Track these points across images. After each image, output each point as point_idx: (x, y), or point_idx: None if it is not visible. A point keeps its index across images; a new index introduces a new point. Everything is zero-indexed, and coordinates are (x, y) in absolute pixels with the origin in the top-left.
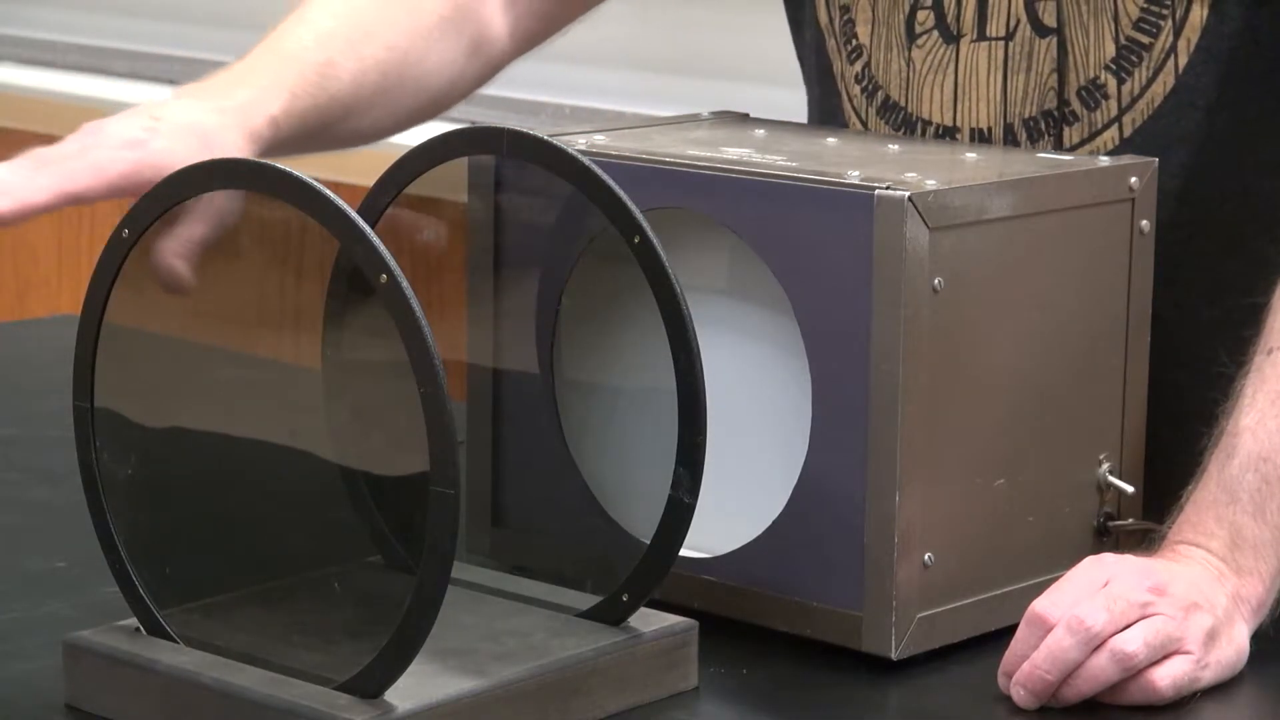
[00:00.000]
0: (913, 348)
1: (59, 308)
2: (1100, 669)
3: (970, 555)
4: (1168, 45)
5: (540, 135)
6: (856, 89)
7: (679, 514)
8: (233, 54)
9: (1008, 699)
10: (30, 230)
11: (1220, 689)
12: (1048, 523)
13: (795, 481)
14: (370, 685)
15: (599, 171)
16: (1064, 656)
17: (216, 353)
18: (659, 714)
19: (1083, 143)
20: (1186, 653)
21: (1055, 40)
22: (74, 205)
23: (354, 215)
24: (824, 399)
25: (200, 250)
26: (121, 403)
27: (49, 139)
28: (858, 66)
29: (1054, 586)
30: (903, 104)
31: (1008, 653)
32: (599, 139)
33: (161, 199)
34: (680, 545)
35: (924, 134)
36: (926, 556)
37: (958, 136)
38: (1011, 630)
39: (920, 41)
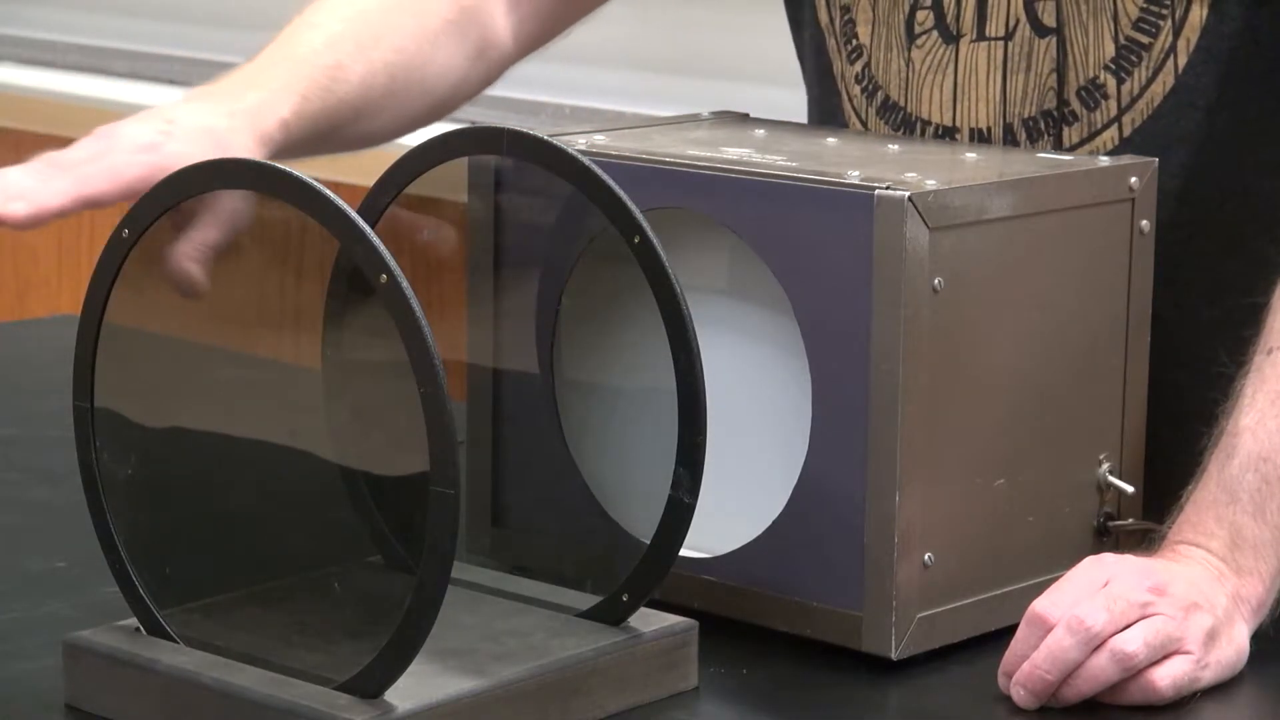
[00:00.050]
0: (913, 348)
1: (59, 308)
2: (1100, 669)
3: (970, 555)
4: (1167, 45)
5: (540, 135)
6: (856, 89)
7: (679, 514)
8: (232, 54)
9: (1008, 699)
10: (31, 231)
11: (1220, 689)
12: (1048, 523)
13: (795, 481)
14: (370, 685)
15: (599, 171)
16: (1064, 656)
17: (216, 353)
18: (659, 714)
19: (1082, 143)
20: (1186, 653)
21: (1055, 40)
22: (90, 209)
23: (354, 215)
24: (824, 399)
25: (213, 254)
26: (121, 403)
27: (49, 139)
28: (858, 66)
29: (1054, 586)
30: (902, 104)
31: (1008, 653)
32: (599, 139)
33: (162, 199)
34: (680, 545)
35: (923, 134)
36: (926, 556)
37: (957, 136)
38: (1011, 630)
39: (920, 41)
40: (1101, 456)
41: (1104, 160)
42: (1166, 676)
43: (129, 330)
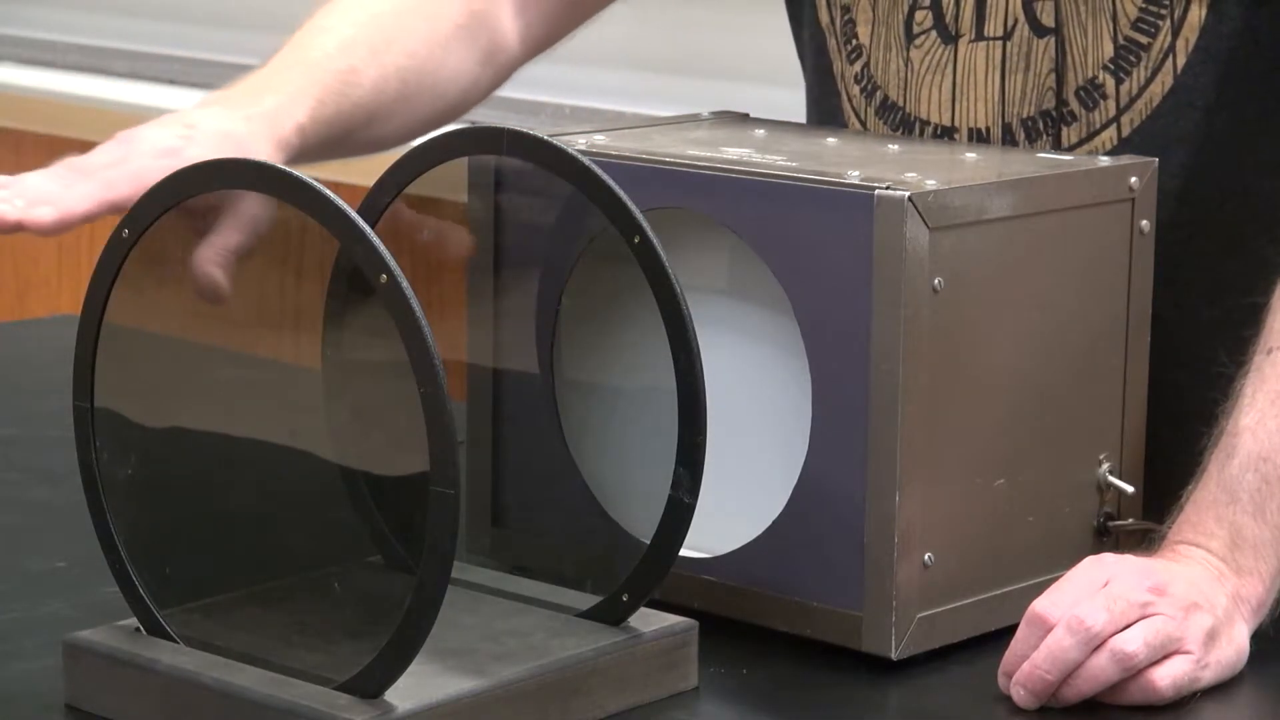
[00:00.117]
0: (913, 348)
1: (59, 308)
2: (1100, 669)
3: (970, 555)
4: (1166, 45)
5: (540, 135)
6: (855, 89)
7: (679, 514)
8: (232, 54)
9: (1008, 699)
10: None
11: (1220, 689)
12: (1048, 523)
13: (795, 481)
14: (370, 685)
15: (599, 171)
16: (1064, 656)
17: (216, 353)
18: (659, 714)
19: (1081, 143)
20: (1186, 653)
21: (1053, 40)
22: (113, 214)
23: (354, 215)
24: (824, 399)
25: (234, 258)
26: (121, 403)
27: (49, 139)
28: (857, 66)
29: (1054, 586)
30: (901, 104)
31: (1008, 653)
32: (599, 139)
33: (162, 199)
34: (680, 545)
35: (922, 134)
36: (926, 556)
37: (956, 136)
38: (1011, 630)
39: (919, 41)
40: (1101, 456)
41: (1104, 160)
42: (1166, 676)
43: (129, 330)
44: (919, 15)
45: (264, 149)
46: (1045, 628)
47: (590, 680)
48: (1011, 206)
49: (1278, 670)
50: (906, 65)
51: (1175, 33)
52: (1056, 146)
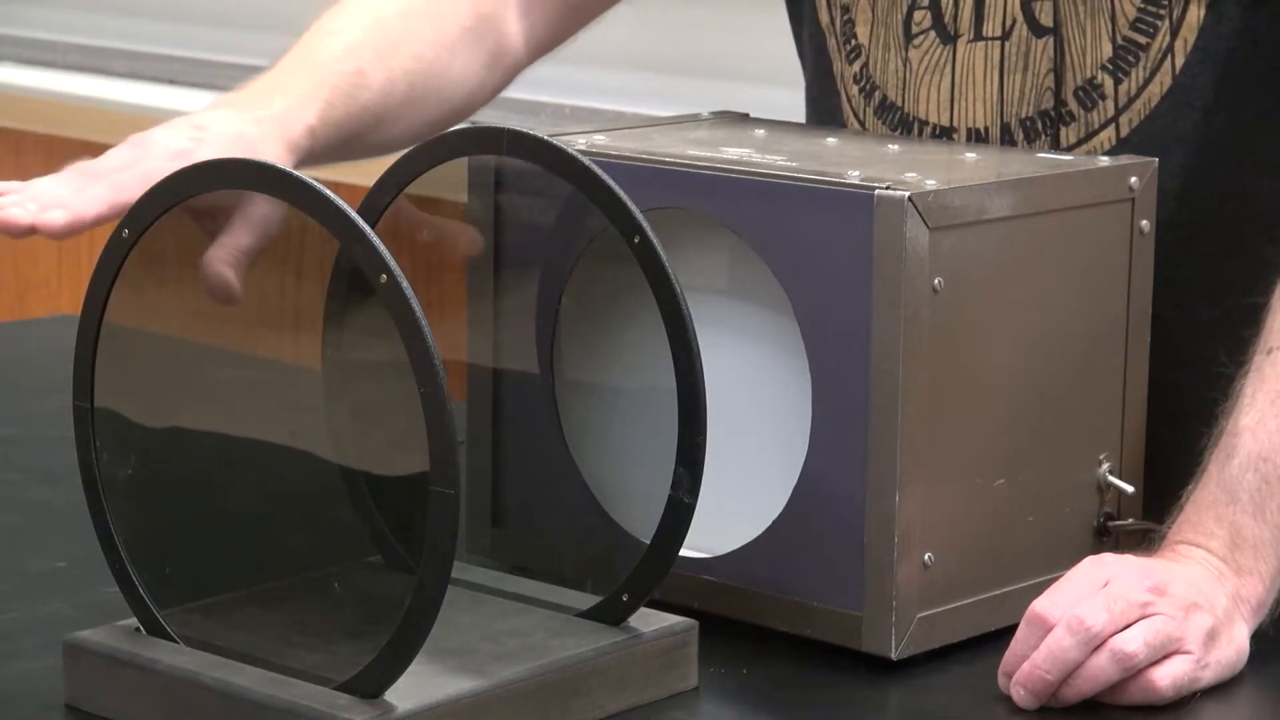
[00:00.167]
0: (913, 348)
1: (59, 308)
2: (1100, 669)
3: (970, 555)
4: (1165, 45)
5: (540, 135)
6: (854, 89)
7: (679, 514)
8: (232, 54)
9: (1008, 699)
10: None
11: (1220, 689)
12: (1048, 523)
13: (795, 481)
14: (370, 685)
15: (599, 171)
16: (1064, 656)
17: (216, 353)
18: (659, 714)
19: (1079, 143)
20: (1186, 653)
21: (1052, 40)
22: None
23: (354, 215)
24: (824, 399)
25: (246, 258)
26: (121, 403)
27: (49, 139)
28: (856, 66)
29: (1054, 586)
30: (900, 104)
31: (1008, 653)
32: (599, 139)
33: (162, 199)
34: (680, 545)
35: (921, 134)
36: (926, 556)
37: (954, 136)
38: (1011, 630)
39: (917, 41)
40: (1101, 456)
41: (1104, 160)
42: (1166, 676)
43: (129, 330)
44: (918, 15)
45: (274, 151)
46: (1045, 628)
47: (590, 680)
48: (1011, 206)
49: (1278, 670)
50: (905, 65)
51: (1174, 33)
52: (1055, 147)
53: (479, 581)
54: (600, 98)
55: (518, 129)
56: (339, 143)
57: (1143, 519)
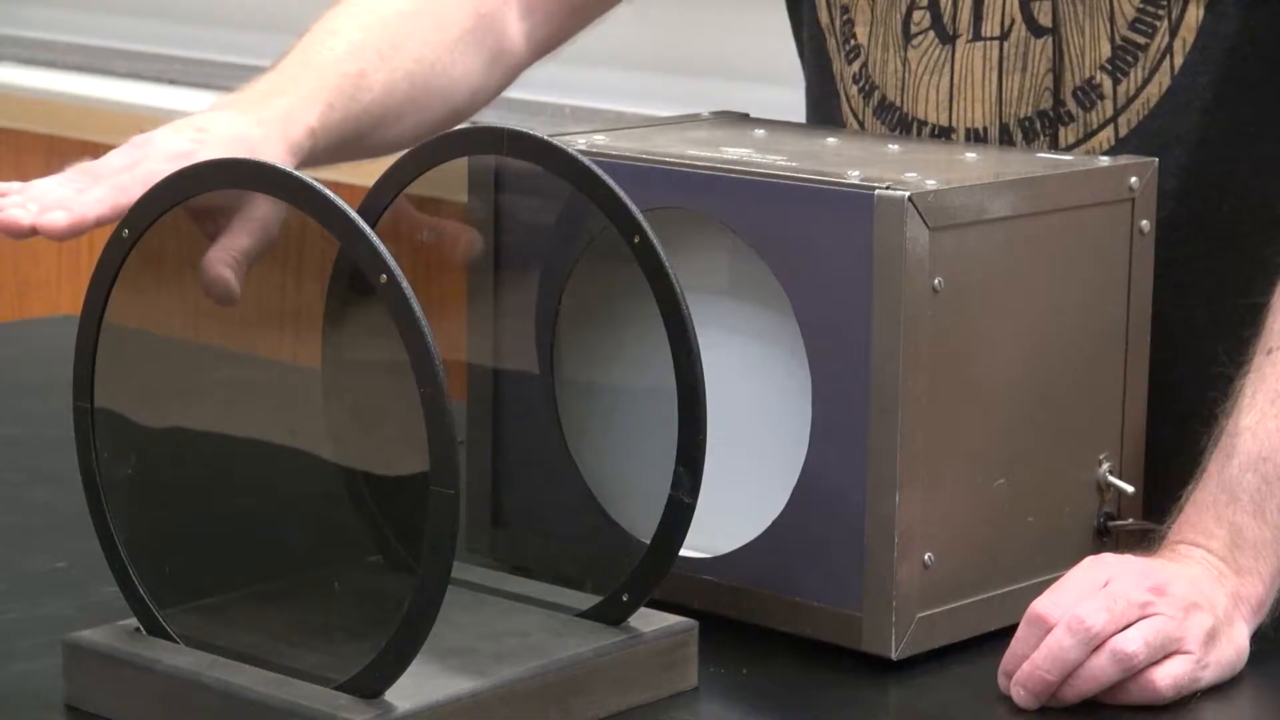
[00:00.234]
0: (913, 348)
1: (59, 308)
2: (1100, 669)
3: (970, 555)
4: (1164, 45)
5: (540, 135)
6: (854, 89)
7: (679, 514)
8: (232, 54)
9: (1008, 699)
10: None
11: (1220, 689)
12: (1048, 523)
13: (795, 481)
14: (370, 685)
15: (599, 171)
16: (1064, 656)
17: (216, 353)
18: (659, 714)
19: (1078, 143)
20: (1186, 653)
21: (1051, 40)
22: None
23: (354, 215)
24: (824, 399)
25: (246, 259)
26: (121, 403)
27: (49, 139)
28: (855, 67)
29: (1054, 586)
30: (899, 104)
31: (1008, 653)
32: (599, 139)
33: (162, 199)
34: (680, 545)
35: (919, 134)
36: (926, 556)
37: (953, 137)
38: (1011, 630)
39: (916, 42)
40: (1101, 456)
41: (1104, 160)
42: (1166, 676)
43: (129, 330)
44: (916, 15)
45: (276, 152)
46: (1045, 628)
47: (590, 680)
48: (1011, 206)
49: (1278, 670)
50: (904, 65)
51: (1173, 33)
52: (1054, 147)
53: (479, 581)
54: (600, 98)
55: (518, 129)
56: (340, 144)
57: (1143, 519)
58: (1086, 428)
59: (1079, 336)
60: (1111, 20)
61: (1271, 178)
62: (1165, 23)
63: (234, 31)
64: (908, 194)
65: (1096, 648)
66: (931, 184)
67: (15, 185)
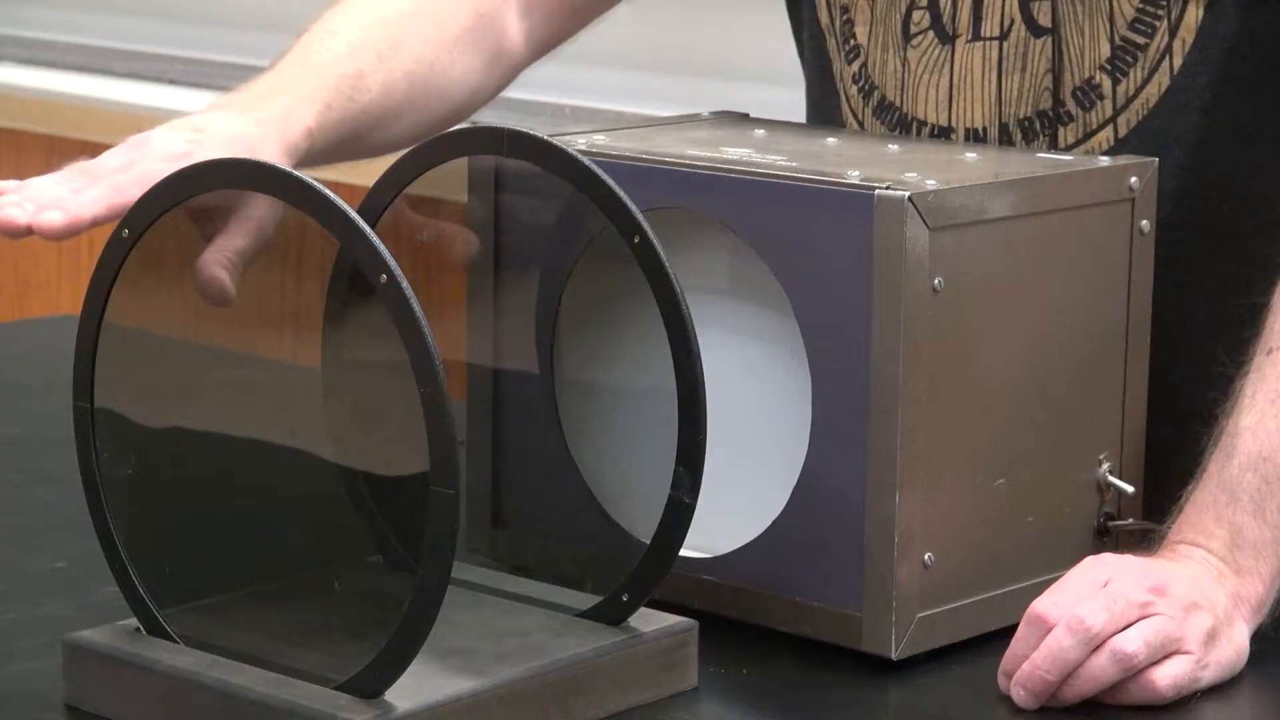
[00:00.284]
0: (913, 348)
1: (59, 308)
2: (1100, 669)
3: (970, 555)
4: (1163, 46)
5: (540, 135)
6: (853, 89)
7: (679, 514)
8: (232, 54)
9: (1008, 699)
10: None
11: (1220, 689)
12: (1048, 523)
13: (795, 481)
14: (370, 685)
15: (599, 171)
16: (1064, 656)
17: (216, 353)
18: (659, 714)
19: (1077, 143)
20: (1186, 653)
21: (1050, 40)
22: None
23: (354, 215)
24: (824, 399)
25: (241, 260)
26: (121, 403)
27: (49, 139)
28: (855, 67)
29: (1054, 586)
30: (898, 104)
31: (1008, 653)
32: (599, 139)
33: (162, 199)
34: (680, 545)
35: (919, 134)
36: (926, 556)
37: (952, 137)
38: (1011, 630)
39: (916, 42)
40: (1101, 456)
41: (1104, 160)
42: (1166, 676)
43: (129, 330)
44: (916, 15)
45: (273, 153)
46: (1045, 628)
47: (590, 680)
48: (1011, 206)
49: (1278, 670)
50: (903, 65)
51: (1172, 33)
52: (1053, 147)
53: (479, 581)
54: (600, 98)
55: (518, 129)
56: (337, 144)
57: (1143, 519)
58: (1086, 428)
59: (1079, 336)
60: (1111, 20)
61: (1271, 178)
62: (1165, 23)
63: (234, 31)
64: (908, 194)
65: (1096, 648)
66: (931, 184)
67: (12, 184)
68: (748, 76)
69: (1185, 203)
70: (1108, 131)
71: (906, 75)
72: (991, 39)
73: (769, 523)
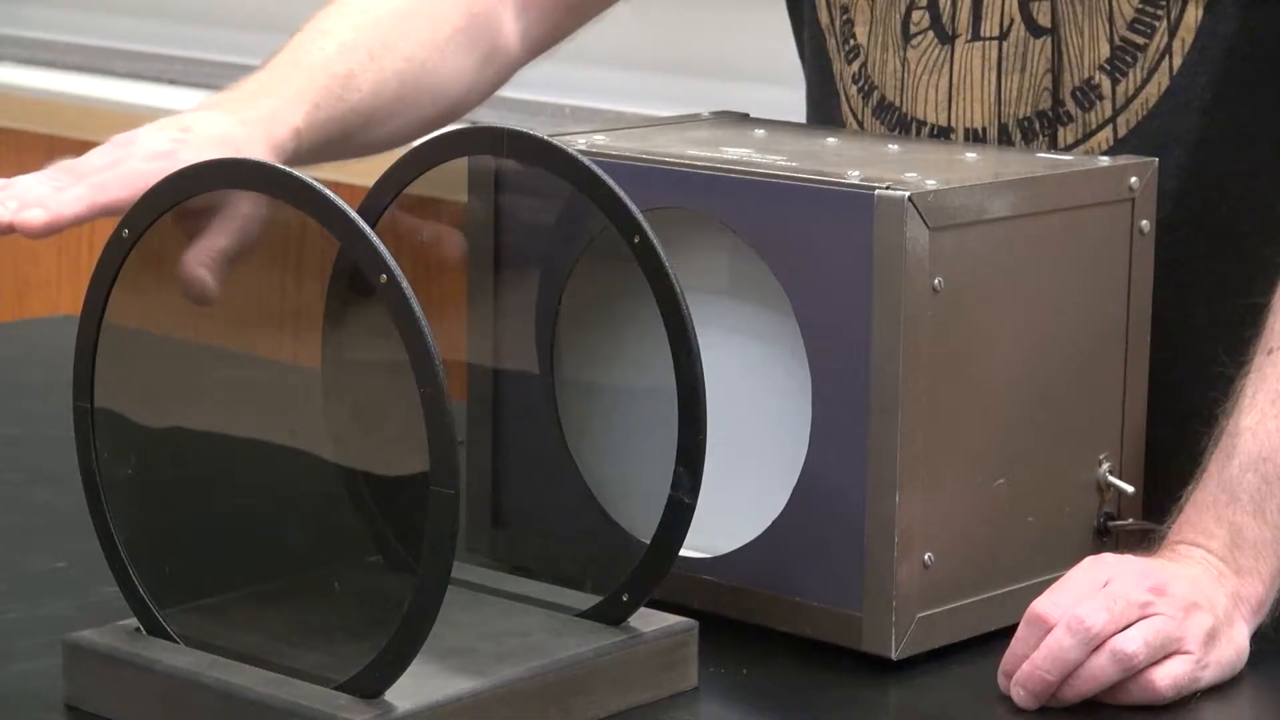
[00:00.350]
0: (913, 348)
1: (59, 308)
2: (1100, 669)
3: (970, 555)
4: (1162, 46)
5: (540, 135)
6: (853, 89)
7: (679, 514)
8: (232, 54)
9: (1008, 699)
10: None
11: (1220, 689)
12: (1048, 523)
13: (795, 481)
14: (370, 685)
15: (599, 171)
16: (1064, 656)
17: (216, 353)
18: (659, 714)
19: (1077, 143)
20: (1186, 653)
21: (1050, 40)
22: (105, 217)
23: (354, 215)
24: (824, 399)
25: (224, 259)
26: (121, 403)
27: (49, 139)
28: (854, 67)
29: (1054, 586)
30: (898, 104)
31: (1008, 653)
32: (599, 139)
33: (162, 199)
34: (680, 545)
35: (918, 134)
36: (926, 556)
37: (952, 137)
38: (1011, 630)
39: (915, 42)
40: (1101, 456)
41: (1104, 160)
42: (1166, 676)
43: (129, 330)
44: (916, 15)
45: (259, 153)
46: (1045, 628)
47: (590, 680)
48: (1011, 206)
49: (1278, 670)
50: (903, 65)
51: (1172, 33)
52: (1053, 147)
53: (479, 581)
54: (600, 98)
55: (518, 129)
56: (327, 144)
57: (1143, 519)
58: (1086, 428)
59: (1079, 336)
60: (1110, 20)
61: (1271, 178)
62: (1164, 23)
63: (234, 31)
64: (908, 194)
65: (1096, 648)
66: (931, 184)
67: None
68: (748, 76)
69: (1185, 203)
70: (1107, 132)
71: (906, 75)
72: (991, 39)
73: (769, 523)
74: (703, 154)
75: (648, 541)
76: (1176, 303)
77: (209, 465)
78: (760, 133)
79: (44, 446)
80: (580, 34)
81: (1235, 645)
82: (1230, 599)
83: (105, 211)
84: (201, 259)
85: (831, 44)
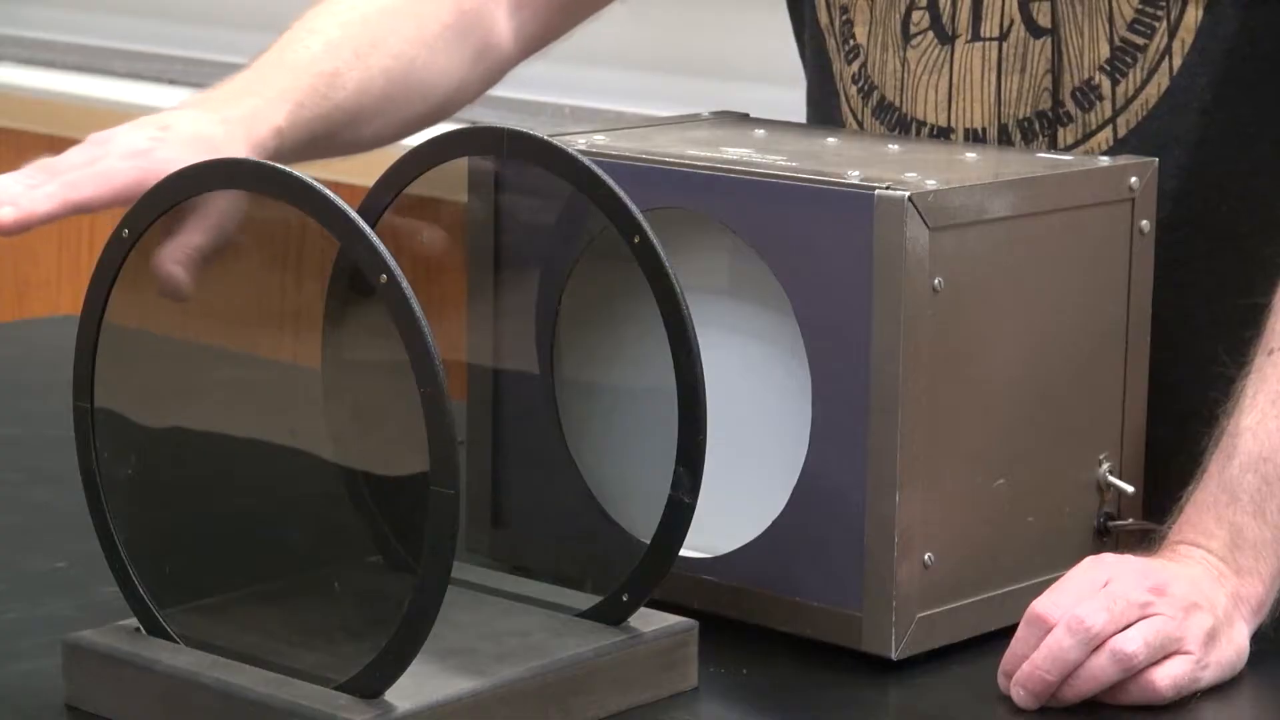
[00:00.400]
0: (913, 348)
1: (59, 308)
2: (1100, 669)
3: (970, 555)
4: (1162, 46)
5: (540, 135)
6: (853, 89)
7: (679, 514)
8: (232, 54)
9: (1008, 699)
10: (31, 231)
11: (1220, 689)
12: (1048, 523)
13: (795, 481)
14: (370, 685)
15: (599, 171)
16: (1064, 656)
17: (216, 353)
18: (659, 714)
19: (1077, 144)
20: (1186, 653)
21: (1050, 41)
22: (79, 214)
23: (354, 215)
24: (824, 399)
25: (200, 257)
26: (121, 403)
27: (49, 139)
28: (854, 67)
29: (1054, 586)
30: (898, 104)
31: (1008, 653)
32: (599, 139)
33: (162, 199)
34: (680, 545)
35: (918, 134)
36: (926, 556)
37: (952, 137)
38: (1011, 630)
39: (915, 42)
40: (1101, 456)
41: (1104, 160)
42: (1166, 676)
43: (129, 330)
44: (915, 15)
45: (239, 151)
46: (1045, 628)
47: (590, 680)
48: (1011, 206)
49: (1278, 670)
50: (903, 66)
51: (1171, 34)
52: (1053, 147)
53: (479, 581)
54: (600, 98)
55: (518, 129)
56: (311, 142)
57: (1143, 519)
58: (1086, 428)
59: (1079, 336)
60: (1110, 21)
61: (1271, 178)
62: (1164, 24)
63: (234, 31)
64: (908, 194)
65: (1096, 648)
66: (931, 184)
67: None
68: (748, 76)
69: (1185, 203)
70: (1107, 132)
71: (906, 75)
72: (991, 39)
73: (769, 523)
74: (703, 154)
75: (648, 541)
76: (1176, 303)
77: (209, 465)
78: (760, 133)
79: (44, 446)
80: (580, 34)
81: (1235, 645)
82: (1230, 599)
83: (78, 209)
84: (176, 256)
85: (831, 44)
